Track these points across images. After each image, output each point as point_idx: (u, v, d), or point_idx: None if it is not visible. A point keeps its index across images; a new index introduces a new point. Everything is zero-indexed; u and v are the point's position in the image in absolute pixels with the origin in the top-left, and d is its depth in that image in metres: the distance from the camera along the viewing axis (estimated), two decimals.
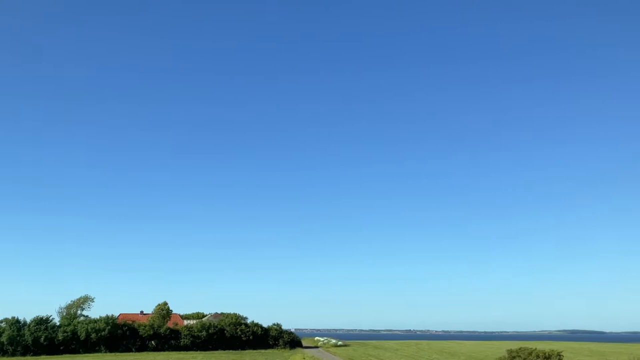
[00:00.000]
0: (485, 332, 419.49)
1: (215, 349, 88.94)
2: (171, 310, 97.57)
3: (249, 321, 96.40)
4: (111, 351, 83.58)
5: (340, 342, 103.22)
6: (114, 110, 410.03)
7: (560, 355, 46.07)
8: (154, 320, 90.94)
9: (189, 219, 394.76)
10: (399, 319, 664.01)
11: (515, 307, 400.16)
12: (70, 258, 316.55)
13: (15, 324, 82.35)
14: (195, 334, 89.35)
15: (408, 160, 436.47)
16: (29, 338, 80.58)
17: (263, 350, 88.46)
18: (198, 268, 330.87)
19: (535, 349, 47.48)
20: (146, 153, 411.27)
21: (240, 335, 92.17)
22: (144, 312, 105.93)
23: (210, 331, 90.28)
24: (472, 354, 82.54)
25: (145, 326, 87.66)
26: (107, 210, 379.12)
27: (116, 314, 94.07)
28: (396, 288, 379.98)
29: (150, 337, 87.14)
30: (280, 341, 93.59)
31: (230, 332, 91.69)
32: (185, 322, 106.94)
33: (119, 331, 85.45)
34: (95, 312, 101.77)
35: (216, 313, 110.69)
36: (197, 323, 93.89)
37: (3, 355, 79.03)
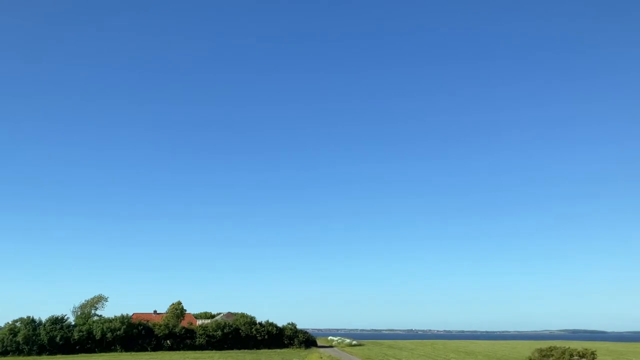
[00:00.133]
0: (486, 332, 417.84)
1: (231, 348, 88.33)
2: (185, 310, 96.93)
3: (258, 321, 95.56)
4: (127, 350, 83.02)
5: (354, 342, 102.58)
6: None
7: (594, 354, 45.34)
8: (168, 320, 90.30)
9: (196, 219, 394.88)
10: (399, 318, 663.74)
11: (517, 307, 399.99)
12: (79, 258, 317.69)
13: (31, 323, 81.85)
14: (211, 333, 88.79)
15: (409, 160, 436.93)
16: (44, 337, 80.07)
17: (278, 350, 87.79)
18: (203, 268, 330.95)
19: (569, 347, 46.70)
20: (149, 152, 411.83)
21: (255, 334, 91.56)
22: (158, 312, 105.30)
23: (225, 330, 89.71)
24: (489, 354, 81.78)
25: (160, 325, 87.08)
26: (114, 211, 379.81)
27: (129, 314, 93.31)
28: (397, 288, 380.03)
29: (166, 337, 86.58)
30: (296, 340, 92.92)
31: (245, 331, 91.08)
32: (198, 321, 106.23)
33: (134, 330, 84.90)
34: (108, 311, 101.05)
35: (229, 313, 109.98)
36: (212, 322, 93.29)
37: (19, 354, 78.60)
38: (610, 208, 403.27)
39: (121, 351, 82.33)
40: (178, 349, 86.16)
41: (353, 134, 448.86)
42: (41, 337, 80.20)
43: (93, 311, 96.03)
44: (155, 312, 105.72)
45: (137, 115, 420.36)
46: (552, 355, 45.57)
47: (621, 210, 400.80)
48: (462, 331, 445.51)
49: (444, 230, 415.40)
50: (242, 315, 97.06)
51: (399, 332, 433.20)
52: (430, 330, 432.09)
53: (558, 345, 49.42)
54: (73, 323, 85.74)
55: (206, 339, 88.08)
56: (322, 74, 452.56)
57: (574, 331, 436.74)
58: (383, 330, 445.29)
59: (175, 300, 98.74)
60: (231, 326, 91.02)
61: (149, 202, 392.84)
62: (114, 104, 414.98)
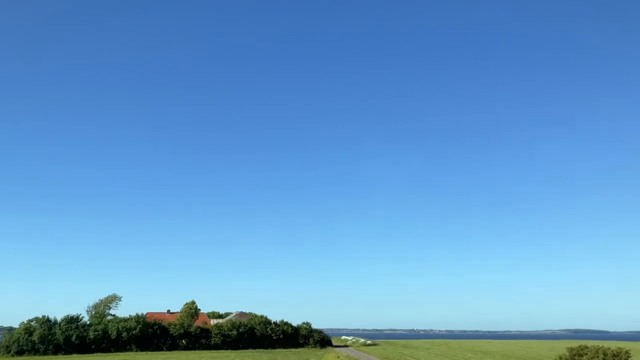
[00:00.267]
0: (488, 332, 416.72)
1: (246, 347, 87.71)
2: (199, 309, 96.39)
3: (273, 320, 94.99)
4: (142, 350, 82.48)
5: (369, 342, 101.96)
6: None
7: (628, 353, 44.66)
8: (183, 319, 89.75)
9: (196, 219, 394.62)
10: (401, 318, 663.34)
11: (518, 307, 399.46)
12: (82, 258, 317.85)
13: (46, 323, 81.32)
14: (226, 332, 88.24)
15: (410, 159, 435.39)
16: (60, 337, 79.55)
17: (294, 349, 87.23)
18: (205, 267, 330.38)
19: (602, 346, 46.04)
20: (149, 152, 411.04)
21: (270, 334, 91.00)
22: (171, 311, 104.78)
23: (240, 330, 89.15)
24: (507, 353, 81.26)
25: (175, 325, 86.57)
26: (115, 211, 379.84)
27: (142, 313, 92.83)
28: (398, 288, 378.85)
29: (181, 336, 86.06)
30: (311, 340, 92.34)
31: (260, 331, 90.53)
32: (212, 321, 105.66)
33: (149, 330, 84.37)
34: (121, 311, 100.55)
35: (241, 312, 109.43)
36: (227, 322, 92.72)
37: (35, 354, 78.01)
38: (611, 207, 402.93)
39: (137, 351, 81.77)
40: (193, 348, 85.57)
41: (353, 133, 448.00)
42: (57, 336, 79.65)
43: (106, 310, 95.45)
44: (168, 311, 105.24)
45: (139, 115, 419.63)
46: (586, 354, 44.89)
47: (623, 210, 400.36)
48: (464, 331, 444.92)
49: (444, 229, 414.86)
50: (255, 314, 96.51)
51: (400, 331, 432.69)
52: (431, 330, 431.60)
53: (589, 345, 48.72)
54: (88, 322, 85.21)
55: (221, 338, 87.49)
56: (322, 73, 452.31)
57: (576, 331, 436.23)
58: (384, 330, 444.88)
59: (188, 300, 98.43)
60: (246, 326, 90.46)
61: (149, 202, 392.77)
62: (114, 104, 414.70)
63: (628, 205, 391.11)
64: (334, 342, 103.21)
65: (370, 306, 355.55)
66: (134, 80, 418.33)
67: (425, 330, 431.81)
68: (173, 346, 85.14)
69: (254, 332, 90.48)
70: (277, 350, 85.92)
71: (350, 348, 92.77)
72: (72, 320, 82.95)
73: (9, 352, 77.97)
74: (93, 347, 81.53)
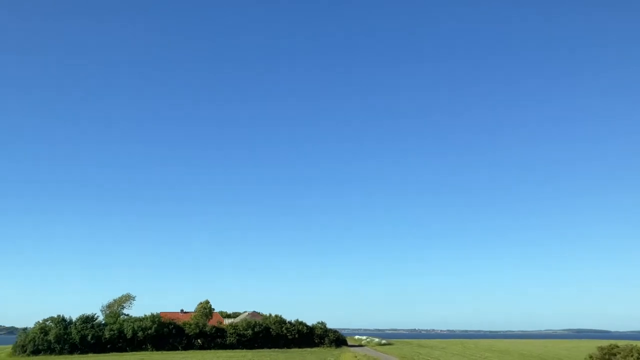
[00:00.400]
0: (490, 332, 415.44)
1: (261, 347, 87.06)
2: (213, 309, 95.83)
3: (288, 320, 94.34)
4: (157, 349, 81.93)
5: (384, 341, 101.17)
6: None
7: None
8: (198, 319, 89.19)
9: (197, 217, 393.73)
10: (402, 318, 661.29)
11: (520, 307, 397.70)
12: (99, 257, 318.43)
13: (62, 322, 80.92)
14: (241, 332, 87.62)
15: (412, 159, 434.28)
16: (76, 336, 79.12)
17: (309, 349, 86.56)
18: (207, 268, 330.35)
19: (636, 345, 45.13)
20: (149, 151, 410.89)
21: (285, 333, 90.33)
22: (184, 311, 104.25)
23: (255, 329, 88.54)
24: (524, 352, 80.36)
25: (190, 325, 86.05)
26: (117, 211, 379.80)
27: (156, 312, 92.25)
28: (399, 288, 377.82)
29: (197, 336, 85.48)
30: (326, 340, 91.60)
31: (275, 330, 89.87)
32: (226, 320, 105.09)
33: (165, 329, 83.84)
34: (134, 311, 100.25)
35: (254, 312, 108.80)
36: (242, 321, 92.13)
37: (51, 353, 77.59)
38: (613, 207, 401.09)
39: (152, 350, 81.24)
40: (209, 348, 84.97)
41: (357, 131, 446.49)
42: (72, 336, 79.22)
43: (120, 310, 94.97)
44: (182, 310, 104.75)
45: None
46: (619, 353, 44.01)
47: (624, 209, 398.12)
48: (465, 331, 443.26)
49: (447, 229, 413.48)
50: (269, 314, 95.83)
51: (402, 331, 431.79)
52: (433, 330, 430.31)
53: (620, 344, 47.84)
54: (103, 322, 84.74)
55: (237, 338, 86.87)
56: (321, 72, 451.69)
57: (578, 331, 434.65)
58: (386, 330, 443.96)
59: (200, 300, 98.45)
60: (261, 325, 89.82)
61: (153, 202, 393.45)
62: (114, 103, 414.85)
63: (631, 204, 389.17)
64: (348, 342, 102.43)
65: (371, 306, 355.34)
66: (133, 79, 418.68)
67: (426, 330, 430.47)
68: (188, 346, 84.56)
69: (269, 331, 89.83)
70: (292, 349, 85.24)
71: (366, 348, 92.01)
72: (88, 320, 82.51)
73: (25, 351, 77.55)
74: (109, 346, 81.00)
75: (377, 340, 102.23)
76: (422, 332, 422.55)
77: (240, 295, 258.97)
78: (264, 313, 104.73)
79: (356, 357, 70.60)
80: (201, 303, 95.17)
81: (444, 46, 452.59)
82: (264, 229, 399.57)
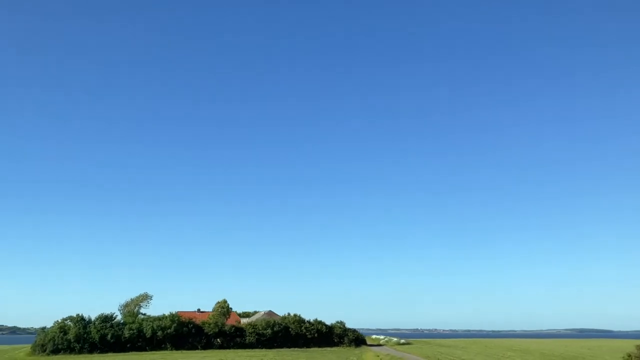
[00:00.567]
0: (492, 331, 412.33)
1: (280, 346, 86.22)
2: (231, 308, 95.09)
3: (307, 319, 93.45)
4: (177, 349, 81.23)
5: (402, 340, 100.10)
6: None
7: None
8: (216, 318, 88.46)
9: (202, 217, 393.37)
10: (404, 318, 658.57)
11: (523, 307, 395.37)
12: (115, 257, 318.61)
13: (81, 321, 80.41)
14: (260, 331, 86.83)
15: (411, 157, 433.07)
16: (95, 335, 78.54)
17: (329, 348, 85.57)
18: (210, 267, 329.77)
19: None
20: (157, 150, 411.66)
21: (305, 333, 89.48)
22: (201, 310, 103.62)
23: (275, 329, 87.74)
24: (544, 352, 79.15)
25: (210, 324, 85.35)
26: (118, 212, 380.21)
27: (174, 312, 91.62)
28: (401, 287, 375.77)
29: (216, 335, 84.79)
30: (345, 339, 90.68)
31: (295, 329, 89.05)
32: (243, 320, 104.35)
33: (184, 329, 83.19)
34: (150, 310, 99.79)
35: (270, 311, 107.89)
36: (260, 321, 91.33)
37: (70, 352, 77.00)
38: (614, 206, 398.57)
39: (172, 349, 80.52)
40: (228, 347, 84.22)
41: (357, 131, 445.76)
42: (92, 335, 78.65)
43: (137, 309, 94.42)
44: (198, 310, 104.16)
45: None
46: None
47: (626, 208, 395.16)
48: (468, 330, 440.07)
49: (448, 229, 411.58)
50: (288, 313, 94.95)
51: (404, 331, 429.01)
52: (435, 329, 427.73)
53: None
54: (122, 321, 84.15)
55: (256, 337, 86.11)
56: (321, 72, 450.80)
57: (581, 330, 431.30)
58: (388, 329, 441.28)
59: (218, 299, 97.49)
60: (280, 324, 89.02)
61: (149, 202, 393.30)
62: (114, 103, 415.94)
63: (632, 204, 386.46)
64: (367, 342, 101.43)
65: (371, 306, 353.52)
66: (133, 78, 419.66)
67: (429, 330, 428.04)
68: (208, 345, 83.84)
69: (288, 331, 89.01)
70: (312, 349, 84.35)
71: (385, 347, 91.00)
72: (107, 319, 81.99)
73: (44, 350, 77.05)
74: (128, 345, 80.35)
75: (395, 339, 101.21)
76: (425, 331, 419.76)
77: (240, 295, 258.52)
78: (276, 312, 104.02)
79: (379, 356, 69.58)
80: (219, 302, 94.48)
81: (444, 46, 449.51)
82: (263, 228, 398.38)
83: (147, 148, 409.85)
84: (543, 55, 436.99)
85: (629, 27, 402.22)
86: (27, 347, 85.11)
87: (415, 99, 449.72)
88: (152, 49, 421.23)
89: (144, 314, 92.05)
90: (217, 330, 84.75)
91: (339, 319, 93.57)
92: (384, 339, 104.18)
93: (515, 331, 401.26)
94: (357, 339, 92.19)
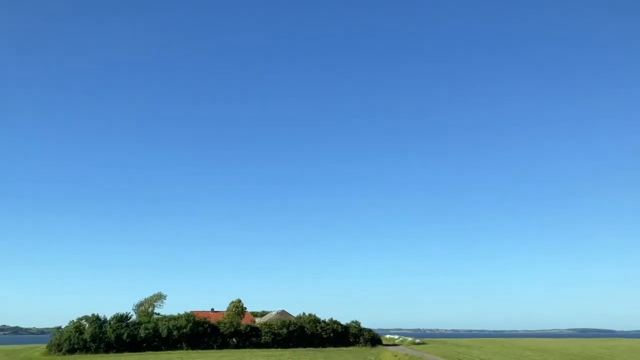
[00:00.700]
0: (495, 331, 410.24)
1: (296, 346, 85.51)
2: (245, 308, 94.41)
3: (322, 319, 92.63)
4: (193, 348, 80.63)
5: (417, 340, 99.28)
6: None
7: None
8: (231, 318, 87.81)
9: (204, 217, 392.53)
10: (406, 318, 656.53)
11: (521, 307, 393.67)
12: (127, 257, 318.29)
13: (96, 321, 79.96)
14: (276, 331, 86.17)
15: (411, 156, 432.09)
16: (111, 335, 78.04)
17: (345, 348, 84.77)
18: (211, 266, 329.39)
19: None
20: (157, 150, 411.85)
21: (320, 332, 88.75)
22: (215, 310, 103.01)
23: (290, 329, 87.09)
24: (563, 351, 78.18)
25: (225, 323, 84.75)
26: (118, 212, 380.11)
27: (189, 311, 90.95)
28: (403, 287, 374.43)
29: (231, 335, 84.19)
30: (361, 339, 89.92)
31: (310, 329, 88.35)
32: (257, 319, 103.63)
33: (200, 328, 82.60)
34: (165, 310, 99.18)
35: (283, 311, 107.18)
36: (275, 320, 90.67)
37: (86, 352, 76.61)
38: (614, 206, 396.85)
39: (187, 349, 79.93)
40: (243, 347, 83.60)
41: (357, 131, 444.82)
42: (108, 334, 78.17)
43: (151, 309, 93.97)
44: (212, 309, 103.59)
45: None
46: None
47: (626, 208, 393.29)
48: (470, 330, 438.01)
49: (449, 228, 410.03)
50: (303, 313, 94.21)
51: (406, 331, 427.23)
52: (437, 329, 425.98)
53: None
54: (137, 321, 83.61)
55: (271, 337, 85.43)
56: (321, 72, 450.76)
57: (583, 330, 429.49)
58: (391, 329, 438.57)
59: (232, 299, 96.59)
60: (296, 324, 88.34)
61: (149, 202, 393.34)
62: (114, 103, 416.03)
63: (634, 203, 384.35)
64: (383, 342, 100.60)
65: (371, 306, 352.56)
66: (133, 78, 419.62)
67: (431, 330, 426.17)
68: (223, 344, 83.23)
69: (303, 330, 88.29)
70: (327, 348, 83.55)
71: (401, 347, 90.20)
72: (122, 319, 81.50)
73: (60, 350, 76.65)
74: (144, 345, 79.87)
75: (410, 339, 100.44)
76: (427, 331, 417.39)
77: (240, 295, 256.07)
78: (305, 313, 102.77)
79: (397, 356, 68.72)
80: (233, 302, 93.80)
81: (444, 46, 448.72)
82: (263, 229, 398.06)
83: (147, 148, 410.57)
84: (543, 55, 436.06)
85: (629, 27, 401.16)
86: (43, 347, 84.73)
87: (415, 99, 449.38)
88: (152, 49, 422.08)
89: (158, 314, 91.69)
90: (232, 330, 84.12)
91: (336, 318, 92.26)
92: (398, 338, 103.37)
93: (517, 331, 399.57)
94: (373, 339, 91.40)
